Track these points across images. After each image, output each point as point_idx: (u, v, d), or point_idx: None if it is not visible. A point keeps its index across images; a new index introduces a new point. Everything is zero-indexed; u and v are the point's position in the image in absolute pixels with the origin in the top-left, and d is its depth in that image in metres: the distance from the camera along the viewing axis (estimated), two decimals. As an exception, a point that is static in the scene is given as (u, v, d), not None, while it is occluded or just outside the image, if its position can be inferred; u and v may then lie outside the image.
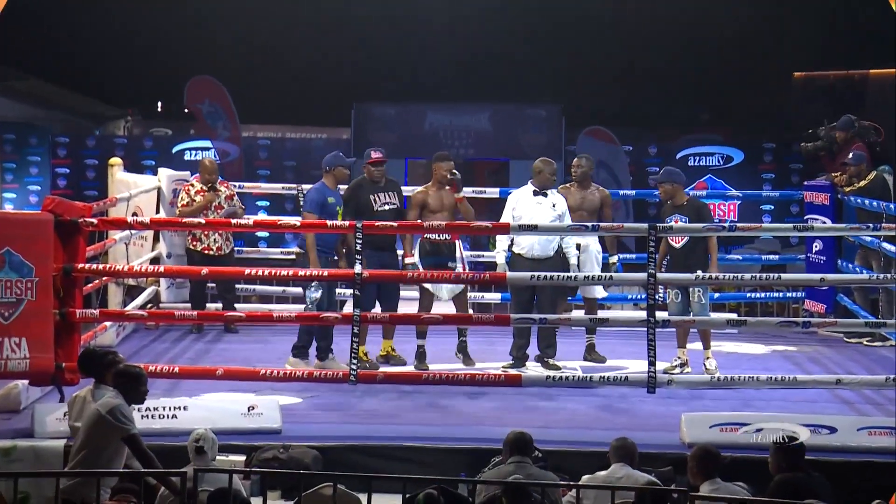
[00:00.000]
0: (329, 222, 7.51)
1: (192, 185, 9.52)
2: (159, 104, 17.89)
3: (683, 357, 8.17)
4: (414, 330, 8.20)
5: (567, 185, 8.64)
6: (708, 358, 8.12)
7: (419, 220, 7.98)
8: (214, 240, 9.43)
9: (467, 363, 8.21)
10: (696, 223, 7.85)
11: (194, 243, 9.45)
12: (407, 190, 8.89)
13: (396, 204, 8.23)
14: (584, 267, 8.25)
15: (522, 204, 8.10)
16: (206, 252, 9.40)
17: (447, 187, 8.16)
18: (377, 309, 7.93)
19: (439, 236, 8.12)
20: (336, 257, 8.02)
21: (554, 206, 8.11)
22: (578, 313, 8.78)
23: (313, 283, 7.70)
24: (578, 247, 8.24)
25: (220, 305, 9.60)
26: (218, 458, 5.56)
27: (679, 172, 8.30)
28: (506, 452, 5.45)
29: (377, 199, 8.18)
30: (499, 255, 8.18)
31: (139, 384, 5.54)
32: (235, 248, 9.78)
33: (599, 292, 8.58)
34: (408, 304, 9.00)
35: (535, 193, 8.12)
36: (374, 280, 7.51)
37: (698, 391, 7.39)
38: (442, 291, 8.20)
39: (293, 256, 8.54)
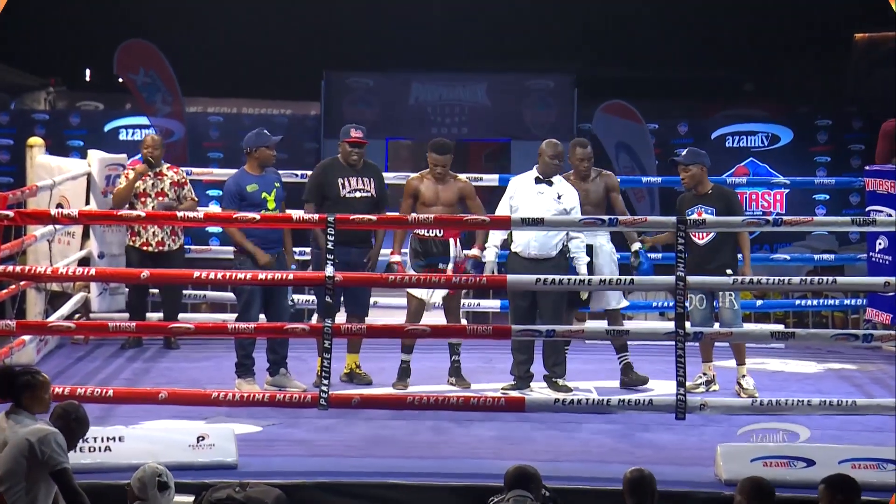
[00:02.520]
0: (295, 215, 7.57)
1: (134, 169, 9.59)
2: (88, 72, 17.90)
3: (710, 373, 8.24)
4: (390, 344, 8.25)
5: (564, 175, 8.42)
6: (743, 376, 8.18)
7: (411, 212, 8.07)
8: (154, 233, 9.44)
9: (461, 386, 8.26)
10: (724, 215, 7.94)
11: (133, 238, 9.48)
12: (387, 177, 8.94)
13: (370, 192, 8.24)
14: (600, 273, 8.25)
15: (521, 194, 8.15)
16: (145, 249, 9.42)
17: (451, 178, 8.21)
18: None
19: (429, 232, 8.17)
20: (276, 255, 8.03)
21: (559, 197, 8.13)
22: (591, 324, 8.83)
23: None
24: (590, 248, 8.27)
25: (160, 316, 9.64)
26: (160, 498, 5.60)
27: (706, 154, 8.39)
28: (506, 488, 5.51)
29: (347, 182, 8.21)
30: (488, 251, 8.19)
31: (81, 432, 5.60)
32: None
33: (620, 301, 8.58)
34: (389, 312, 9.05)
35: (538, 181, 8.18)
36: (345, 284, 7.55)
37: (737, 417, 7.43)
38: (434, 296, 8.25)
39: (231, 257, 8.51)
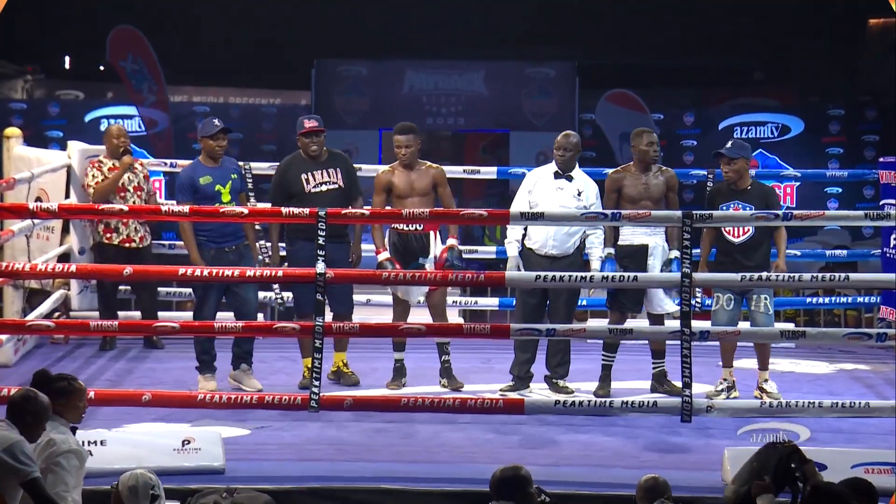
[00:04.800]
0: (284, 210, 7.57)
1: (103, 162, 9.44)
2: (67, 60, 17.90)
3: (731, 378, 8.21)
4: (382, 343, 8.28)
5: (623, 167, 8.40)
6: (766, 380, 8.13)
7: (386, 208, 8.05)
8: (135, 229, 9.40)
9: (454, 387, 8.27)
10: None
11: (109, 235, 9.36)
12: (379, 169, 8.95)
13: (338, 183, 8.19)
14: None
15: (540, 188, 8.14)
16: (127, 245, 9.37)
17: (422, 165, 8.19)
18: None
19: (408, 226, 8.15)
20: (234, 247, 8.06)
21: (579, 193, 8.13)
22: (592, 322, 8.85)
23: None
24: (646, 249, 8.16)
25: (138, 315, 9.65)
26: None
27: (749, 147, 8.32)
28: (492, 493, 5.48)
29: (311, 177, 8.18)
30: (510, 246, 8.15)
31: (39, 422, 5.57)
32: (153, 243, 9.79)
33: (670, 305, 8.36)
34: (381, 310, 9.07)
35: (557, 176, 8.19)
36: (336, 281, 7.56)
37: (745, 420, 7.46)
38: (412, 294, 8.25)
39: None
